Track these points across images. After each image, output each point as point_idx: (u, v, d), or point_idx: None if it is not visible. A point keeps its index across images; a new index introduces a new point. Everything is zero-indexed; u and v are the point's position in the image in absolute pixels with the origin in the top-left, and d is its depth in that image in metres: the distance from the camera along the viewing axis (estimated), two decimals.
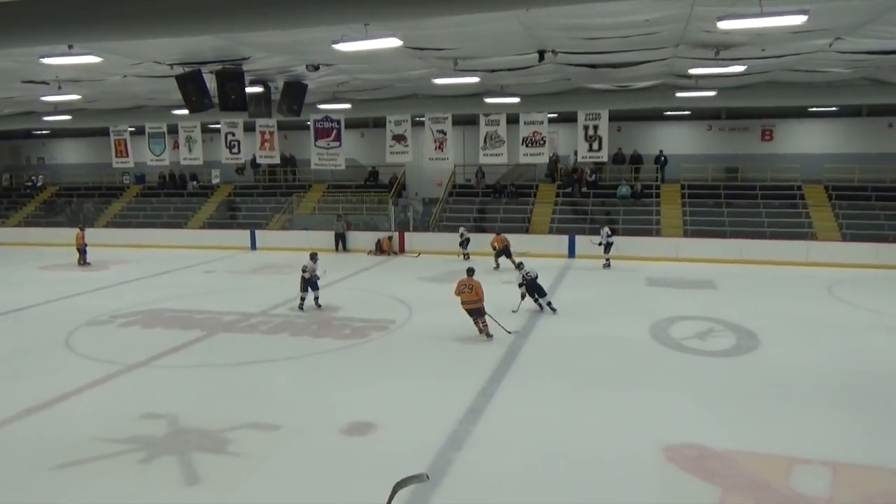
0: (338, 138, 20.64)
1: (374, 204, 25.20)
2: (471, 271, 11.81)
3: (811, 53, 12.48)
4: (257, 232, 24.21)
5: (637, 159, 24.51)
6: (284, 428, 7.59)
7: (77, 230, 20.62)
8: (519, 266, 13.51)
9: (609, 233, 18.71)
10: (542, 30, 10.55)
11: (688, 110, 23.74)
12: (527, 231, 22.20)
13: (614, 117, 19.90)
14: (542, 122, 19.27)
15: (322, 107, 19.66)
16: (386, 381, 9.27)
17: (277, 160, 22.83)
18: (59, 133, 30.55)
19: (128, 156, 23.55)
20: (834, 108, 22.78)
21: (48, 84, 15.13)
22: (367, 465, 6.65)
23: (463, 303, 11.29)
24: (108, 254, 22.11)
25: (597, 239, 18.75)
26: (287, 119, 17.20)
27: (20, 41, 8.54)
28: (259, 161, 23.90)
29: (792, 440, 7.15)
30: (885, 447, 6.98)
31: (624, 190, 23.28)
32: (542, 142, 19.42)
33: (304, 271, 13.42)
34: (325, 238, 22.76)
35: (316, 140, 20.75)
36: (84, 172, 30.80)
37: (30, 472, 6.63)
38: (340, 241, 22.59)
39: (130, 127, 23.55)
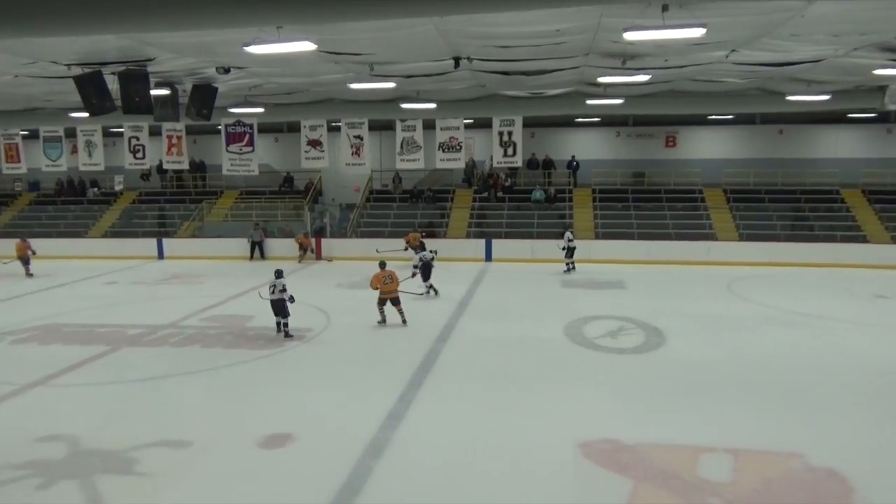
0: (251, 143, 20.08)
1: (289, 210, 24.69)
2: (384, 264, 12.83)
3: (709, 64, 13.24)
4: (165, 240, 23.18)
5: (550, 164, 25.19)
6: (196, 444, 7.29)
7: (17, 240, 19.28)
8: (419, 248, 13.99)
9: (571, 237, 18.49)
10: (457, 37, 10.69)
11: (597, 117, 24.65)
12: (444, 235, 22.36)
13: (528, 123, 20.39)
14: (458, 128, 19.48)
15: (234, 110, 19.11)
16: (303, 390, 9.09)
17: (186, 166, 21.94)
18: None
19: (20, 161, 22.05)
20: (730, 116, 24.26)
21: None
22: (285, 478, 6.49)
23: (386, 293, 12.25)
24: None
25: (561, 243, 18.46)
26: (196, 123, 16.60)
27: None
28: (166, 167, 22.79)
29: (698, 430, 7.52)
30: (782, 432, 7.46)
31: (538, 194, 23.86)
32: (458, 147, 19.62)
33: (272, 293, 11.46)
34: (239, 246, 22.10)
35: (227, 145, 20.11)
36: None
37: None
38: (257, 249, 21.98)
39: (23, 130, 22.04)
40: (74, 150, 21.64)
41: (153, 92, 13.61)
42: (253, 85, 15.91)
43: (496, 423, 7.79)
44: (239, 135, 20.08)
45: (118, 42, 10.56)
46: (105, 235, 24.37)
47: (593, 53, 12.13)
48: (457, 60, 12.41)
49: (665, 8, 7.91)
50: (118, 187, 26.99)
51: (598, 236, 21.84)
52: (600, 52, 12.03)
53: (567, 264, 18.38)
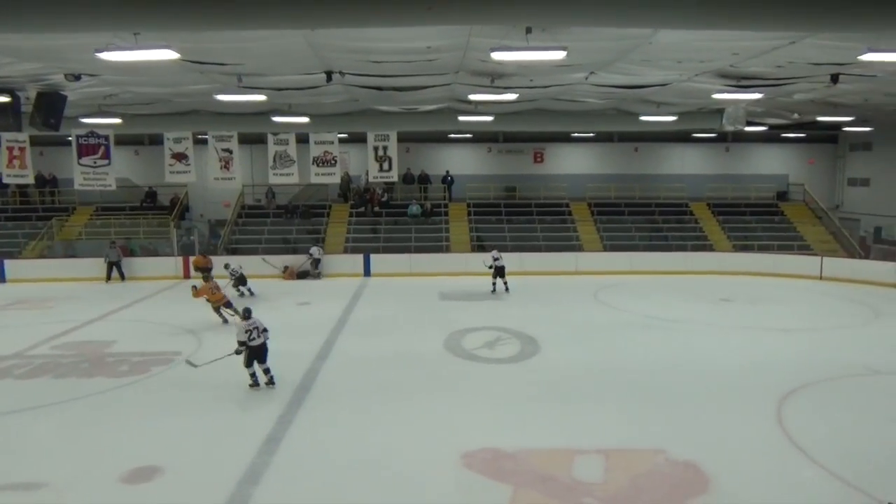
0: (106, 156, 18.70)
1: (153, 227, 23.23)
2: (208, 277, 14.76)
3: (571, 85, 14.06)
4: (7, 261, 20.97)
5: (425, 179, 25.55)
6: (50, 485, 6.65)
7: None
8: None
9: (497, 255, 17.63)
10: (328, 51, 10.60)
11: (470, 133, 25.36)
12: (321, 253, 21.96)
13: (403, 138, 20.59)
14: (332, 142, 19.28)
15: (86, 121, 17.75)
16: (173, 418, 8.55)
17: (30, 180, 20.01)
18: None
19: None
20: (591, 134, 25.85)
21: None
22: None
23: (214, 301, 13.78)
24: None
25: (487, 261, 17.65)
26: (42, 133, 15.21)
27: None
28: (6, 181, 20.67)
29: (571, 434, 7.90)
30: (648, 431, 8.00)
31: (414, 209, 24.10)
32: (333, 161, 19.41)
33: (251, 336, 9.48)
34: (96, 266, 20.44)
35: (80, 157, 18.60)
36: None
37: None
38: (115, 269, 20.38)
39: None
40: None
41: None
42: (108, 94, 14.85)
43: (378, 440, 7.75)
44: (93, 146, 18.65)
45: None
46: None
47: (463, 71, 12.49)
48: (329, 74, 12.31)
49: (528, 30, 8.33)
50: None
51: (473, 249, 22.38)
52: (470, 71, 12.41)
53: (493, 283, 17.63)
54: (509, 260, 20.92)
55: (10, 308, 16.30)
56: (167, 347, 12.01)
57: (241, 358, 9.61)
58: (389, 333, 13.20)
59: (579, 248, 22.48)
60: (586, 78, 13.05)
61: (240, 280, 17.31)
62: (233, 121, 18.66)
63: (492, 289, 17.61)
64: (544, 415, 8.57)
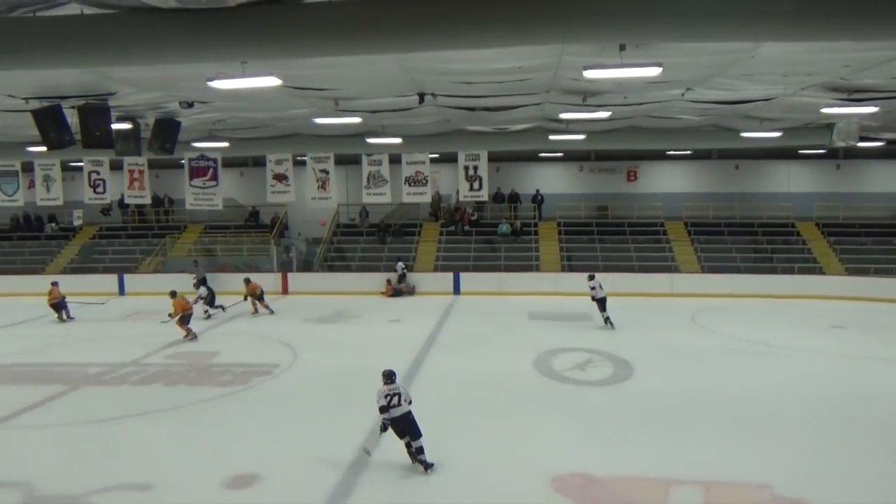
0: (214, 177, 19.89)
1: (255, 244, 24.43)
2: (174, 293, 15.16)
3: (667, 102, 13.68)
4: (126, 276, 22.67)
5: (515, 198, 25.51)
6: (158, 487, 7.06)
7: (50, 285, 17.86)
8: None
9: (594, 285, 15.75)
10: (420, 73, 10.85)
11: (560, 152, 25.14)
12: (412, 269, 22.34)
13: (493, 158, 20.68)
14: (423, 162, 19.63)
15: (197, 145, 18.94)
16: (271, 429, 8.89)
17: (148, 200, 21.60)
18: None
19: None
20: (688, 152, 24.98)
21: None
22: None
23: (185, 311, 14.58)
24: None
25: (590, 288, 15.82)
26: (159, 157, 16.40)
27: None
28: (127, 201, 22.42)
29: (667, 462, 7.57)
30: (752, 463, 7.56)
31: (504, 228, 24.08)
32: (424, 181, 19.75)
33: (391, 402, 7.44)
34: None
35: (191, 179, 19.88)
36: None
37: None
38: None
39: None
40: (31, 185, 21.12)
41: (114, 126, 13.42)
42: (217, 119, 15.81)
43: (466, 458, 7.72)
44: (202, 169, 19.89)
45: (79, 76, 10.42)
46: (64, 272, 23.69)
47: (555, 90, 12.43)
48: (421, 96, 12.58)
49: (622, 47, 8.20)
50: (77, 222, 26.37)
51: (563, 269, 22.07)
52: (561, 89, 12.34)
53: (605, 317, 15.55)
54: (601, 280, 20.48)
55: (128, 319, 17.56)
56: (266, 360, 12.53)
57: (336, 370, 9.84)
58: (478, 351, 13.19)
59: (675, 269, 21.69)
60: (683, 94, 12.67)
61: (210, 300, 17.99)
62: (330, 143, 19.39)
63: (607, 324, 15.37)
64: (638, 441, 8.27)
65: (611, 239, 23.62)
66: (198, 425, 9.15)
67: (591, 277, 16.02)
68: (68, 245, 25.62)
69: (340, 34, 6.99)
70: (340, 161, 20.80)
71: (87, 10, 7.07)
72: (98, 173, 20.34)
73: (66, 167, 21.31)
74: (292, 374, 11.69)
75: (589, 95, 12.66)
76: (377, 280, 21.18)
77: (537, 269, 22.27)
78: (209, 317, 17.49)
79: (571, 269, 21.90)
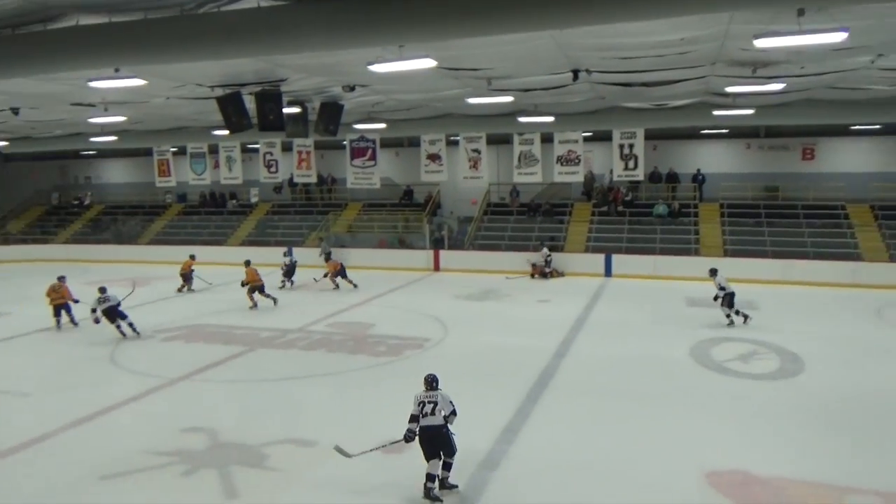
0: (373, 157, 20.90)
1: (409, 222, 25.38)
2: (248, 262, 16.57)
3: (853, 70, 12.27)
4: (294, 249, 24.55)
5: (674, 178, 24.23)
6: (320, 444, 7.65)
7: (187, 258, 19.84)
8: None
9: (722, 282, 13.56)
10: (576, 50, 10.60)
11: (725, 128, 23.44)
12: (562, 249, 22.07)
13: (650, 136, 19.76)
14: (576, 141, 19.24)
15: (358, 126, 19.96)
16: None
17: (314, 179, 23.22)
18: (105, 153, 31.57)
19: (170, 175, 24.26)
20: (878, 126, 22.22)
21: (95, 106, 15.70)
22: (399, 481, 6.65)
23: (254, 282, 15.85)
24: (150, 270, 22.65)
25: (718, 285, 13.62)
26: (324, 139, 17.51)
27: (69, 65, 8.90)
28: (296, 180, 24.34)
29: (841, 468, 6.92)
30: None
31: (661, 209, 23.01)
32: (576, 160, 19.38)
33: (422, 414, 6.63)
34: (360, 255, 22.96)
35: (352, 159, 21.06)
36: (128, 191, 31.71)
37: (77, 482, 6.82)
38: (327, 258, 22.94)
39: (173, 147, 24.24)
40: (216, 165, 23.50)
41: (285, 110, 14.53)
42: (376, 102, 16.54)
43: (615, 446, 7.57)
44: (362, 149, 20.97)
45: (255, 64, 11.38)
46: (242, 244, 26.15)
47: (720, 62, 11.59)
48: (575, 73, 12.29)
49: (801, 12, 7.39)
50: (254, 199, 28.91)
51: (726, 253, 20.69)
52: (728, 61, 11.48)
53: (728, 317, 13.49)
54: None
55: (297, 290, 19.02)
56: (418, 333, 13.04)
57: (485, 346, 9.97)
58: (630, 336, 12.80)
59: (858, 257, 19.54)
60: (873, 62, 11.29)
61: (288, 272, 19.09)
62: (481, 122, 19.58)
63: (728, 321, 13.43)
64: (806, 442, 7.63)
65: (781, 222, 21.72)
66: (355, 391, 9.77)
67: (715, 273, 13.65)
68: (246, 220, 28.18)
69: (496, 13, 7.02)
70: (492, 140, 20.93)
71: (264, 3, 7.68)
72: (271, 154, 22.19)
73: (244, 149, 23.42)
74: (442, 348, 12.08)
75: (760, 66, 11.67)
76: (524, 261, 21.11)
77: (696, 252, 21.07)
78: (283, 286, 18.88)
79: (734, 253, 20.48)
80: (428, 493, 6.24)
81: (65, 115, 17.60)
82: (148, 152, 25.20)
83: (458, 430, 6.60)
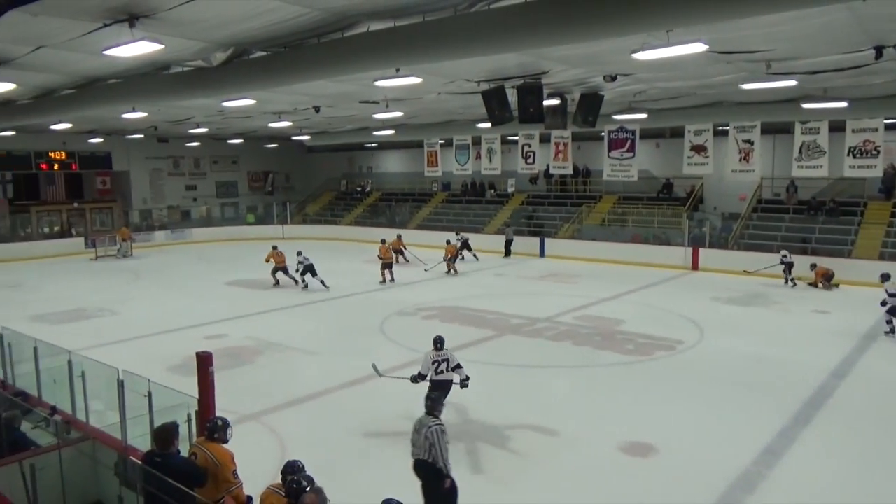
0: (632, 149, 20.24)
1: (666, 217, 24.13)
2: (274, 246, 18.64)
3: None
4: (546, 240, 24.91)
5: None
6: (562, 434, 7.68)
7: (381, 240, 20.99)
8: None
9: (785, 253, 17.56)
10: (881, 22, 9.04)
11: None
12: (849, 255, 19.17)
13: None
14: (875, 130, 16.52)
15: (617, 117, 19.46)
16: (670, 404, 8.81)
17: (570, 171, 23.27)
18: (384, 145, 35.15)
19: (437, 165, 26.24)
20: None
21: (378, 103, 17.55)
22: (644, 488, 6.41)
23: (278, 264, 17.91)
24: (415, 253, 24.76)
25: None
26: (581, 130, 17.41)
27: (361, 67, 10.02)
28: (552, 171, 24.58)
29: None
30: None
31: None
32: (874, 152, 16.65)
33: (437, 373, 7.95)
34: (612, 249, 22.49)
35: (609, 151, 20.63)
36: (401, 180, 34.95)
37: (344, 435, 7.77)
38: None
39: (440, 139, 26.13)
40: (478, 156, 24.82)
41: (545, 102, 14.71)
42: (638, 91, 15.95)
43: None
44: (621, 141, 20.42)
45: (519, 58, 11.68)
46: (497, 232, 27.29)
47: None
48: (879, 50, 10.48)
49: None
50: (510, 189, 29.91)
51: None
52: None
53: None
54: None
55: (545, 279, 19.31)
56: (670, 334, 12.37)
57: (746, 357, 9.13)
58: None
59: None
60: None
61: (307, 269, 17.71)
62: (756, 110, 17.78)
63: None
64: None
65: None
66: (600, 387, 9.62)
67: (887, 278, 12.58)
68: (502, 209, 29.29)
69: None
70: (767, 130, 18.93)
71: None
72: (529, 146, 22.76)
73: (504, 140, 24.34)
74: (697, 353, 11.32)
75: None
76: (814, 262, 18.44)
77: None
78: (303, 285, 17.75)
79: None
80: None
81: (354, 112, 19.99)
82: (419, 144, 27.50)
83: (709, 442, 6.12)
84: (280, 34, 9.50)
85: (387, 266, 18.68)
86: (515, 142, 23.58)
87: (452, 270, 20.08)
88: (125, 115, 18.20)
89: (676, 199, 25.11)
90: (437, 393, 6.52)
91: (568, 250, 23.95)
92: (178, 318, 14.03)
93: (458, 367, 7.82)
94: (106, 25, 8.43)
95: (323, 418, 8.42)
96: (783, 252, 17.91)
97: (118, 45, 8.37)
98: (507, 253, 24.43)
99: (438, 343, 7.92)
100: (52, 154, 28.43)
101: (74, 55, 10.48)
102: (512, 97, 14.11)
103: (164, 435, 4.90)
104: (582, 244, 24.07)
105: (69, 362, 6.52)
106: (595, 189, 27.86)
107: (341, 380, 9.75)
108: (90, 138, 27.88)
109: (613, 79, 13.66)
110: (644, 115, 19.10)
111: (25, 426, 6.39)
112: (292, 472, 4.67)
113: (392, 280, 18.59)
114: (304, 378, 10.17)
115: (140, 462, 4.95)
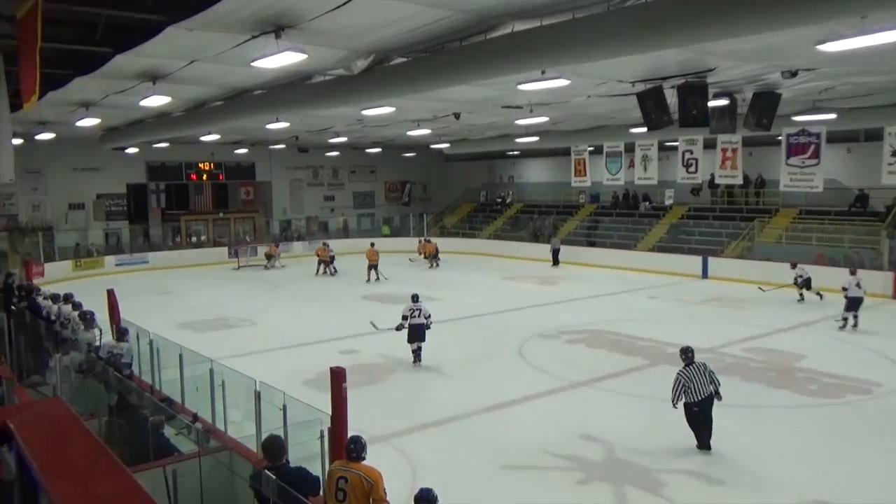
0: (815, 155, 18.74)
1: (860, 235, 22.03)
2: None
3: None
4: (710, 259, 23.62)
5: None
6: (727, 484, 7.21)
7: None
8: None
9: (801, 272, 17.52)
10: None
11: None
12: None
13: None
14: None
15: (797, 118, 18.15)
16: (861, 458, 8.00)
17: (740, 180, 21.94)
18: (527, 153, 35.17)
19: (585, 174, 25.86)
20: None
21: (521, 108, 17.62)
22: None
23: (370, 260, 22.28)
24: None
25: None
26: (754, 134, 16.40)
27: (504, 70, 10.12)
28: (718, 181, 23.23)
29: None
30: None
31: None
32: None
33: (412, 318, 12.25)
34: (782, 270, 20.87)
35: (788, 157, 19.25)
36: (545, 190, 34.74)
37: (482, 465, 7.80)
38: (555, 256, 25.49)
39: (589, 146, 25.70)
40: (631, 165, 24.08)
41: (710, 103, 14.03)
42: (824, 88, 14.79)
43: None
44: (802, 146, 19.00)
45: (680, 55, 11.22)
46: (652, 249, 26.33)
47: None
48: None
49: None
50: (668, 201, 28.75)
51: None
52: None
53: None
54: None
55: (707, 304, 18.34)
56: (865, 375, 11.22)
57: None
58: None
59: None
60: None
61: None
62: None
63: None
64: None
65: None
66: (772, 434, 8.93)
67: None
68: (658, 223, 28.22)
69: None
70: None
71: None
72: (691, 152, 21.74)
73: (662, 147, 23.45)
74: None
75: None
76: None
77: None
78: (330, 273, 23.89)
79: None
80: (416, 357, 11.97)
81: (496, 118, 20.23)
82: (565, 152, 27.21)
83: None
84: (421, 39, 9.84)
85: (372, 267, 22.27)
86: (675, 148, 22.65)
87: (434, 264, 25.32)
88: (269, 126, 19.74)
89: (873, 214, 22.85)
90: None
91: (735, 271, 22.55)
92: (313, 331, 14.86)
93: (428, 316, 11.89)
94: (254, 37, 9.18)
95: (456, 445, 8.51)
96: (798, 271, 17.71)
97: (265, 55, 9.08)
98: (556, 262, 25.65)
99: (415, 298, 11.96)
100: (201, 165, 31.43)
101: (224, 67, 11.51)
102: (671, 98, 13.61)
103: (276, 446, 5.29)
104: (753, 265, 22.55)
105: (211, 371, 7.10)
106: (770, 202, 26.08)
107: (475, 405, 9.82)
108: (236, 149, 30.43)
109: (794, 74, 12.78)
110: (832, 116, 17.67)
111: (168, 431, 7.03)
112: (427, 500, 4.74)
113: (378, 279, 22.05)
114: (437, 401, 10.36)
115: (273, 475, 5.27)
